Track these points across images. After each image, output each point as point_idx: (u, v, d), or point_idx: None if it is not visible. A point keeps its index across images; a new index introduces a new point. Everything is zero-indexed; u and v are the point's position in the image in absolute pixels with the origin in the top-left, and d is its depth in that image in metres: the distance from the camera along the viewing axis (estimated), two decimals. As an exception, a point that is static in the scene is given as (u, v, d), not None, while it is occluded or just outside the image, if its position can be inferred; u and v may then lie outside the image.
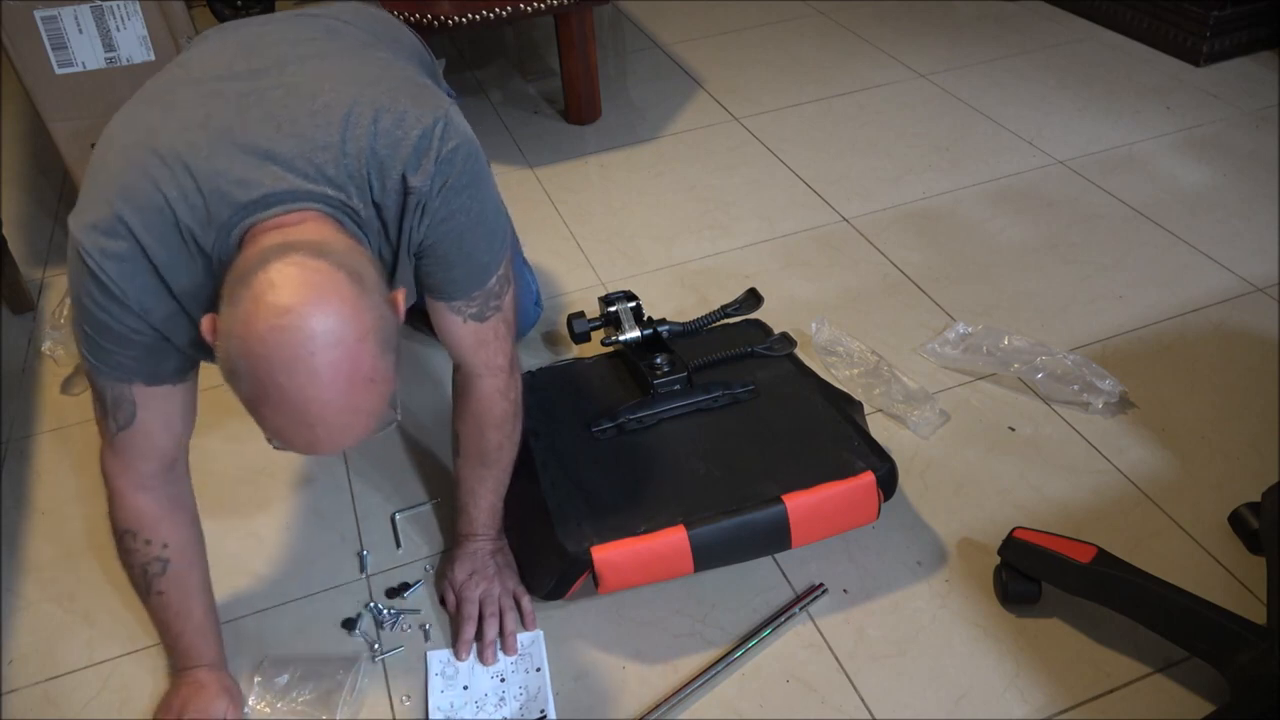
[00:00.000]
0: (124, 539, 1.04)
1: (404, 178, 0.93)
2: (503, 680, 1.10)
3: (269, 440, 0.86)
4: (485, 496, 1.17)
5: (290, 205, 0.88)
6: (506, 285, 1.08)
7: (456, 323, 1.06)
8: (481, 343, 1.08)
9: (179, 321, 0.93)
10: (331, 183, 0.90)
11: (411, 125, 0.94)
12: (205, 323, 0.84)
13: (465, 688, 1.10)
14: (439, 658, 1.13)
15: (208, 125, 0.90)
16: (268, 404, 0.80)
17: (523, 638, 1.13)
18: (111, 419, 1.00)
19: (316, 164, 0.90)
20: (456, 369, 1.14)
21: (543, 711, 1.05)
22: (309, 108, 0.92)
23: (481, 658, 1.12)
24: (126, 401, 0.99)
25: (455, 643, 1.13)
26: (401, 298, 0.88)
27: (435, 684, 1.10)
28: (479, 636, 1.13)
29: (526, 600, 1.16)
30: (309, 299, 0.78)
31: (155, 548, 1.04)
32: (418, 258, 1.01)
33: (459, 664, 1.12)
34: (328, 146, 0.90)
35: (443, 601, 1.19)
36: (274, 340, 0.77)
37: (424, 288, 1.06)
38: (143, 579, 1.05)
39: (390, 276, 1.03)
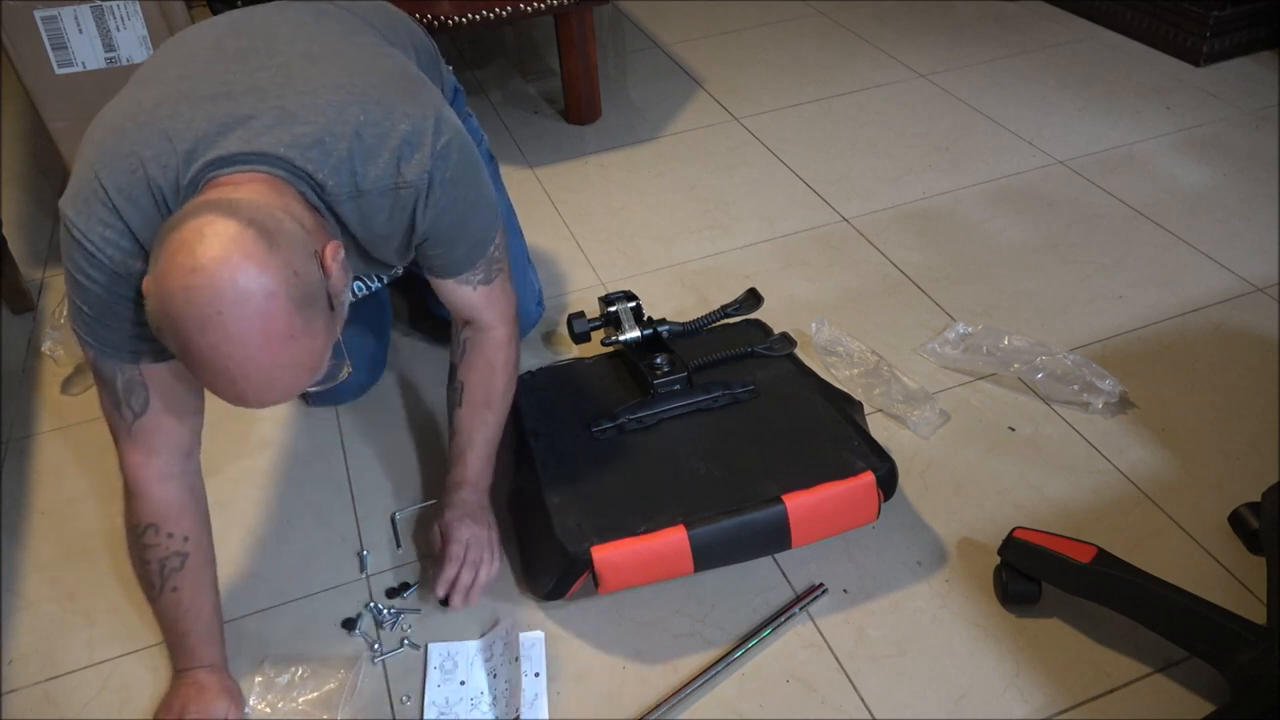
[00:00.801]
0: (145, 534, 1.04)
1: (398, 169, 0.95)
2: (494, 676, 1.10)
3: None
4: (482, 445, 1.20)
5: (246, 166, 0.89)
6: (505, 251, 1.17)
7: (467, 291, 1.14)
8: (491, 301, 1.16)
9: None
10: (302, 154, 0.91)
11: (399, 119, 0.95)
12: (145, 284, 0.85)
13: (462, 683, 1.10)
14: (439, 651, 1.13)
15: (191, 96, 0.92)
16: (191, 360, 0.82)
17: (522, 637, 1.13)
18: (126, 408, 1.00)
19: (293, 134, 0.91)
20: (464, 327, 1.19)
21: (518, 712, 1.05)
22: (298, 88, 0.93)
23: (452, 601, 1.14)
24: (138, 385, 0.99)
25: (436, 580, 1.15)
26: (332, 251, 0.88)
27: (433, 677, 1.11)
28: (455, 580, 1.15)
29: (496, 565, 1.17)
30: (215, 257, 0.79)
31: (177, 541, 1.04)
32: (422, 243, 1.04)
33: (457, 659, 1.12)
34: (309, 123, 0.91)
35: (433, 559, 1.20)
36: (183, 299, 0.79)
37: (428, 269, 1.11)
38: (159, 575, 1.04)
39: (376, 261, 1.05)
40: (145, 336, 0.96)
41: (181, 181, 0.89)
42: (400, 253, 1.05)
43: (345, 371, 0.94)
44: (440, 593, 1.14)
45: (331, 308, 0.88)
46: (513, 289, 1.21)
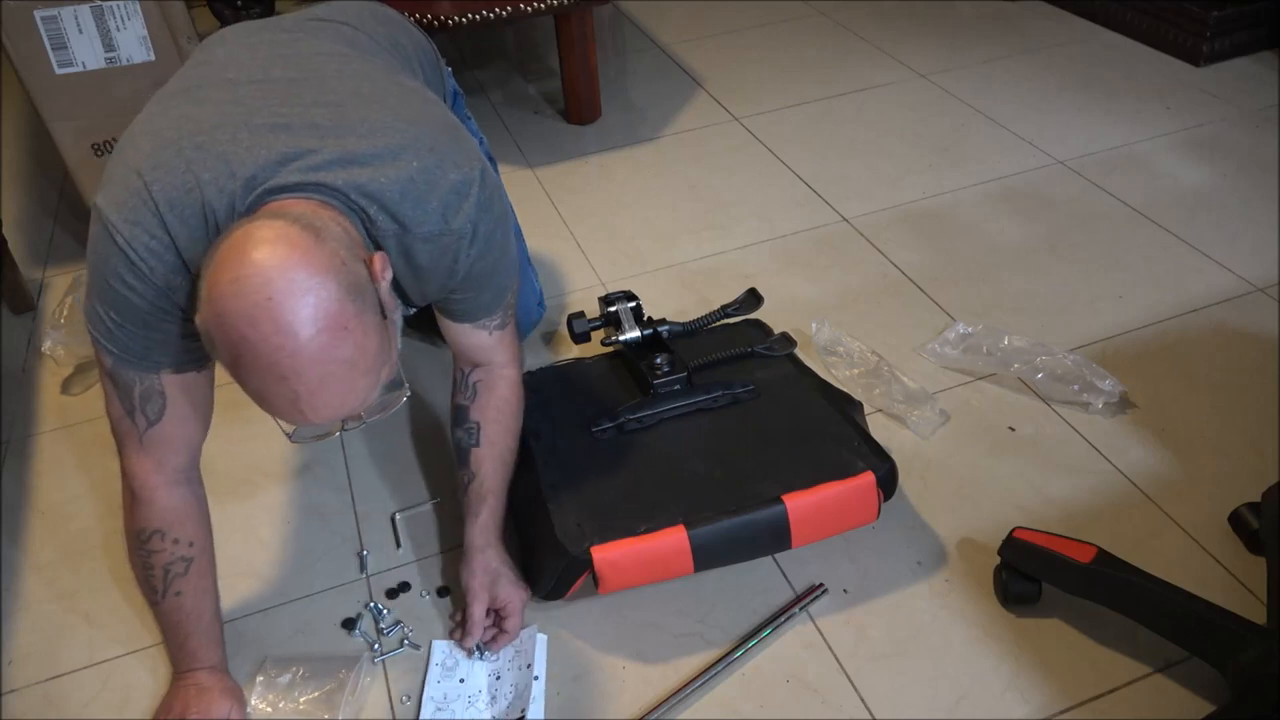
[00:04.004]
0: (150, 540, 1.03)
1: (444, 217, 0.97)
2: (498, 678, 1.10)
3: (286, 434, 0.89)
4: (500, 497, 1.17)
5: (302, 193, 0.90)
6: (516, 295, 1.17)
7: (483, 336, 1.14)
8: (504, 344, 1.16)
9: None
10: (358, 190, 0.92)
11: (450, 169, 0.97)
12: (198, 316, 0.84)
13: (462, 681, 1.10)
14: (442, 648, 1.14)
15: (250, 124, 0.93)
16: (242, 364, 0.81)
17: (521, 633, 1.13)
18: (140, 415, 1.00)
19: (350, 173, 0.92)
20: (472, 370, 1.17)
21: (523, 712, 1.05)
22: (356, 130, 0.95)
23: (466, 648, 1.12)
24: (156, 394, 0.99)
25: (462, 639, 1.13)
26: (380, 262, 0.89)
27: (434, 673, 1.11)
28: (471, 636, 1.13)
29: (518, 621, 1.13)
30: (263, 250, 0.80)
31: (182, 546, 1.05)
32: (454, 287, 1.05)
33: (459, 657, 1.12)
34: (366, 165, 0.93)
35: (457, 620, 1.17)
36: (232, 293, 0.79)
37: (448, 314, 1.12)
38: (162, 580, 1.04)
39: (405, 299, 1.06)
40: (173, 349, 0.96)
41: (239, 207, 0.90)
42: (433, 294, 1.05)
43: (405, 391, 0.96)
44: (468, 646, 1.13)
45: (384, 315, 0.88)
46: (515, 331, 1.20)
